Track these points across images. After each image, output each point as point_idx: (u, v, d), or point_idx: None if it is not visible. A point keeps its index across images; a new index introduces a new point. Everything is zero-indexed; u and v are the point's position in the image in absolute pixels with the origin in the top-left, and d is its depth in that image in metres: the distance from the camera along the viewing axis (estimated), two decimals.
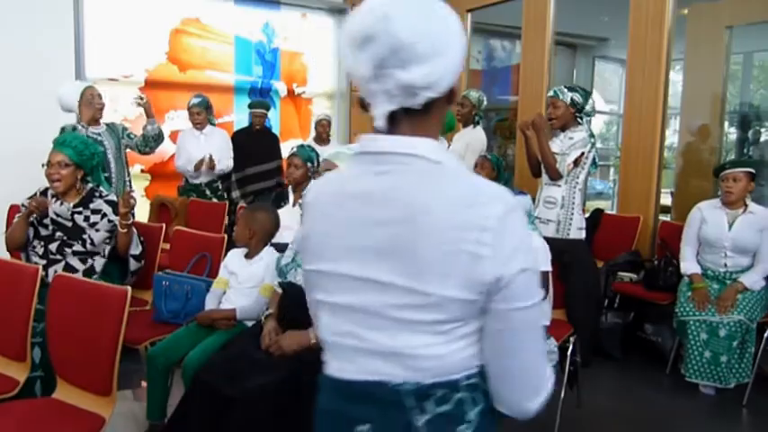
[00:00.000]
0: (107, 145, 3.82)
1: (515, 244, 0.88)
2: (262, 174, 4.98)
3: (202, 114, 4.51)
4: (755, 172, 3.24)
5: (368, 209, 0.91)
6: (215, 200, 4.54)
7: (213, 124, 4.66)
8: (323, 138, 5.40)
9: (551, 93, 3.30)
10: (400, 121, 0.92)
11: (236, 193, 4.92)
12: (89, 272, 2.75)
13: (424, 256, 0.87)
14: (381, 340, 0.92)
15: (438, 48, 0.88)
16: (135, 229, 2.85)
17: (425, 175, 0.91)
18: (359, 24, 0.88)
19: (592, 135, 3.24)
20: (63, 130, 3.72)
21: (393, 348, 0.91)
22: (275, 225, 2.64)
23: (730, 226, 3.20)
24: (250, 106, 5.12)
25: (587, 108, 3.27)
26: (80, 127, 3.75)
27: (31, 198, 2.80)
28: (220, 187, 4.65)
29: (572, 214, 3.20)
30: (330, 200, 0.98)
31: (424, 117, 0.92)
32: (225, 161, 4.59)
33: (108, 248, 2.81)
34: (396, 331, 0.91)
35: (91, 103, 3.78)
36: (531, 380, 0.94)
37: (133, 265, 2.90)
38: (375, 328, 0.92)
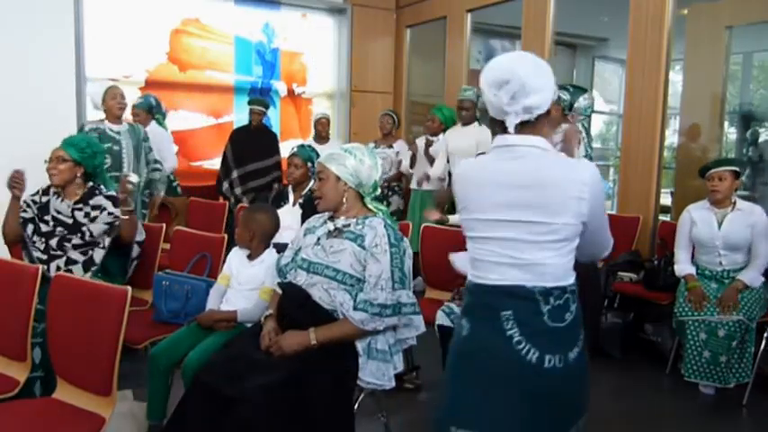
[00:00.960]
0: (124, 144, 3.89)
1: (597, 192, 1.50)
2: (262, 170, 5.02)
3: (141, 115, 4.45)
4: (751, 170, 3.24)
5: (508, 178, 1.51)
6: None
7: (161, 124, 4.60)
8: (322, 136, 5.41)
9: None
10: (522, 128, 1.52)
11: (238, 190, 4.95)
12: (88, 263, 2.76)
13: (550, 203, 1.48)
14: (521, 256, 1.50)
15: (543, 85, 1.50)
16: (115, 217, 2.86)
17: (541, 157, 1.52)
18: (497, 72, 1.50)
19: (583, 131, 3.23)
20: (83, 127, 3.83)
21: (528, 261, 1.49)
22: (275, 225, 2.64)
23: (720, 225, 3.21)
24: (250, 103, 5.14)
25: (578, 105, 3.27)
26: (101, 125, 3.87)
27: (33, 195, 2.83)
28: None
29: None
30: (476, 175, 1.59)
31: (534, 125, 1.53)
32: (167, 163, 4.45)
33: (108, 240, 2.83)
34: (531, 250, 1.49)
35: (112, 102, 3.90)
36: (607, 242, 1.66)
37: (135, 250, 2.95)
38: (517, 249, 1.50)
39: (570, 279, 1.53)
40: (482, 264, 1.56)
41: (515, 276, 1.50)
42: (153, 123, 4.49)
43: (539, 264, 1.49)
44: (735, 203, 3.22)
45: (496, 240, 1.53)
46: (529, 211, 1.49)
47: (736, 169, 3.22)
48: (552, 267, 1.50)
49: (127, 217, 2.82)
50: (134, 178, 2.92)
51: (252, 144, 5.03)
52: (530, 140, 1.52)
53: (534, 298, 1.49)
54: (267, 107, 5.19)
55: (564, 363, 1.50)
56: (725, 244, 3.20)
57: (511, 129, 1.51)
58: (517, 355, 1.47)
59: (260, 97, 5.41)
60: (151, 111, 4.52)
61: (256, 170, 5.00)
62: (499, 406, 1.50)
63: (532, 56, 1.53)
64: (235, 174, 4.98)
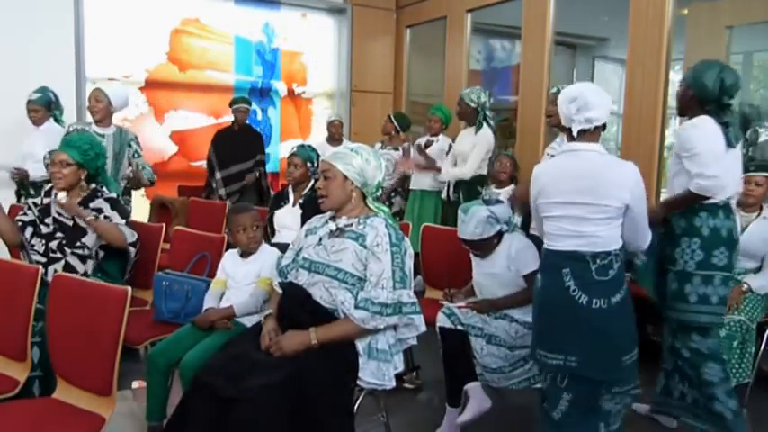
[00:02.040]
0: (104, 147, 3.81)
1: (635, 185, 2.12)
2: (245, 171, 4.99)
3: (39, 112, 4.11)
4: None
5: (573, 173, 2.15)
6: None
7: (58, 121, 4.25)
8: (335, 138, 5.44)
9: (554, 89, 3.31)
10: (582, 135, 2.16)
11: (222, 192, 4.91)
12: (86, 275, 2.75)
13: (604, 191, 2.09)
14: (578, 229, 2.12)
15: (601, 104, 2.14)
16: (110, 220, 2.82)
17: (598, 159, 2.16)
18: (571, 91, 2.17)
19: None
20: (68, 130, 3.76)
21: (583, 233, 2.12)
22: (257, 218, 2.62)
23: (743, 230, 3.08)
24: (233, 103, 5.05)
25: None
26: (87, 128, 3.79)
27: (34, 198, 2.82)
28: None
29: None
30: (552, 170, 2.24)
31: (592, 134, 2.18)
32: None
33: (101, 253, 2.81)
34: (586, 224, 2.11)
35: (88, 105, 3.85)
36: (646, 235, 2.26)
37: (131, 251, 2.89)
38: (576, 224, 2.12)
39: (614, 246, 2.13)
40: (552, 235, 2.20)
41: (573, 244, 2.13)
42: (50, 121, 4.15)
43: (590, 235, 2.11)
44: (762, 210, 3.15)
45: (563, 218, 2.15)
46: (586, 196, 2.11)
47: None
48: (600, 238, 2.11)
49: (93, 227, 2.73)
50: (64, 199, 2.76)
51: (235, 146, 4.98)
52: (589, 146, 2.17)
53: (585, 259, 2.12)
54: (250, 103, 5.14)
55: (608, 304, 2.12)
56: (742, 250, 3.11)
57: (575, 133, 2.16)
58: (572, 299, 2.11)
59: (241, 95, 5.27)
60: (50, 107, 4.17)
61: (240, 172, 4.96)
62: (564, 334, 2.15)
63: (595, 85, 2.23)
64: (218, 175, 4.93)
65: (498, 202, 2.80)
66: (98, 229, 2.74)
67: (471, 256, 2.79)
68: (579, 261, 2.12)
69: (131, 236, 2.86)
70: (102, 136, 3.79)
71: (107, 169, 3.77)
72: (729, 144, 2.48)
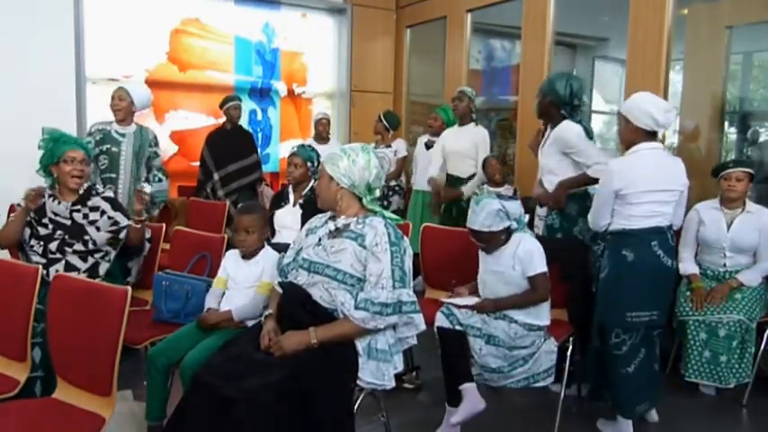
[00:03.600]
0: (124, 147, 3.87)
1: (685, 173, 2.78)
2: (243, 170, 4.96)
3: None
4: (754, 173, 3.25)
5: (653, 165, 2.68)
6: None
7: None
8: (322, 137, 5.41)
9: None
10: (653, 137, 2.72)
11: (220, 192, 4.90)
12: (92, 273, 2.75)
13: (674, 178, 2.73)
14: (659, 209, 2.68)
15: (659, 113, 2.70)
16: (114, 220, 2.87)
17: (667, 155, 2.83)
18: (668, 105, 2.74)
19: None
20: (91, 128, 3.85)
21: (662, 212, 2.69)
22: (259, 220, 2.60)
23: (729, 226, 3.20)
24: (225, 102, 4.98)
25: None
26: (108, 126, 3.90)
27: (28, 196, 2.81)
28: None
29: None
30: (636, 164, 2.68)
31: (656, 136, 2.77)
32: None
33: (113, 254, 2.82)
34: (664, 206, 2.70)
35: (110, 104, 3.93)
36: (682, 215, 2.95)
37: (146, 247, 2.98)
38: (657, 205, 2.68)
39: (673, 221, 2.78)
40: (638, 217, 2.67)
41: (656, 221, 2.67)
42: None
43: (666, 213, 2.69)
44: (745, 205, 3.21)
45: (649, 203, 2.66)
46: (663, 184, 2.68)
47: (752, 172, 3.20)
48: (670, 214, 2.72)
49: (138, 226, 2.84)
50: (148, 188, 2.91)
51: (230, 145, 4.95)
52: (659, 145, 2.76)
53: (664, 231, 2.69)
54: (241, 100, 5.12)
55: (675, 264, 2.81)
56: (732, 246, 3.19)
57: (659, 136, 2.82)
58: (662, 264, 2.68)
59: (230, 94, 5.20)
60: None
61: (237, 170, 4.93)
62: (656, 294, 2.71)
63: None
64: (216, 176, 4.89)
65: (512, 198, 2.82)
66: (140, 229, 2.85)
67: (479, 252, 2.80)
68: (661, 233, 2.67)
69: (146, 232, 2.97)
70: (123, 135, 3.86)
71: (124, 168, 3.85)
72: (589, 137, 3.10)
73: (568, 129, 3.06)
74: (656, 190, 2.65)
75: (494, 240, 2.69)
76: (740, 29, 4.72)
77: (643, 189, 2.64)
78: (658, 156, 2.70)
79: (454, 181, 4.47)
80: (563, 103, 3.09)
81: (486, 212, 2.63)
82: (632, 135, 2.70)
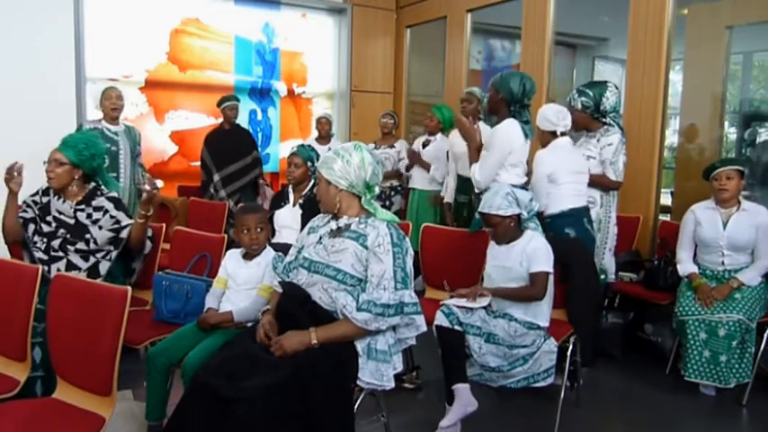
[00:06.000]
0: (121, 145, 3.90)
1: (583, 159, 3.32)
2: (243, 169, 4.97)
3: None
4: (749, 171, 3.25)
5: (570, 156, 3.23)
6: None
7: None
8: (323, 136, 5.42)
9: (568, 98, 3.50)
10: (557, 135, 3.23)
11: (222, 193, 4.89)
12: (93, 273, 2.75)
13: (583, 163, 3.29)
14: (581, 189, 3.19)
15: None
16: (116, 219, 2.84)
17: (573, 147, 3.33)
18: (561, 109, 3.28)
19: (623, 134, 3.44)
20: (80, 127, 3.86)
21: (583, 193, 3.20)
22: (263, 219, 2.61)
23: (725, 225, 3.21)
24: (222, 102, 4.98)
25: (604, 106, 3.38)
26: (99, 125, 3.95)
27: (33, 196, 2.82)
28: None
29: (610, 213, 3.41)
30: (557, 155, 3.18)
31: (557, 134, 3.23)
32: None
33: (115, 253, 2.81)
34: (582, 186, 3.20)
35: (106, 103, 3.98)
36: None
37: (147, 246, 2.97)
38: (581, 186, 3.18)
39: None
40: (569, 197, 3.11)
41: (582, 201, 3.19)
42: None
43: (585, 193, 3.20)
44: (740, 203, 3.22)
45: (572, 183, 3.13)
46: (579, 167, 3.20)
47: (742, 169, 3.22)
48: (586, 196, 3.21)
49: (142, 221, 2.81)
50: (159, 183, 2.93)
51: (229, 144, 4.95)
52: (568, 139, 3.26)
53: (588, 209, 3.23)
54: (239, 99, 5.13)
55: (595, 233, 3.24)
56: (729, 244, 3.20)
57: (558, 133, 3.19)
58: (592, 236, 3.13)
59: (227, 94, 5.19)
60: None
61: (238, 170, 4.94)
62: None
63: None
64: (216, 177, 4.89)
65: (524, 188, 3.00)
66: (144, 226, 2.84)
67: (489, 245, 2.84)
68: (587, 211, 3.19)
69: (147, 247, 2.97)
70: (116, 134, 3.89)
71: (124, 166, 3.85)
72: (526, 136, 3.16)
73: (505, 130, 3.14)
74: (575, 172, 3.14)
75: (502, 226, 2.71)
76: (740, 29, 4.72)
77: (567, 170, 3.12)
78: (568, 148, 3.21)
79: (465, 182, 4.45)
80: (514, 101, 3.15)
81: (495, 196, 2.72)
82: (544, 137, 3.23)
